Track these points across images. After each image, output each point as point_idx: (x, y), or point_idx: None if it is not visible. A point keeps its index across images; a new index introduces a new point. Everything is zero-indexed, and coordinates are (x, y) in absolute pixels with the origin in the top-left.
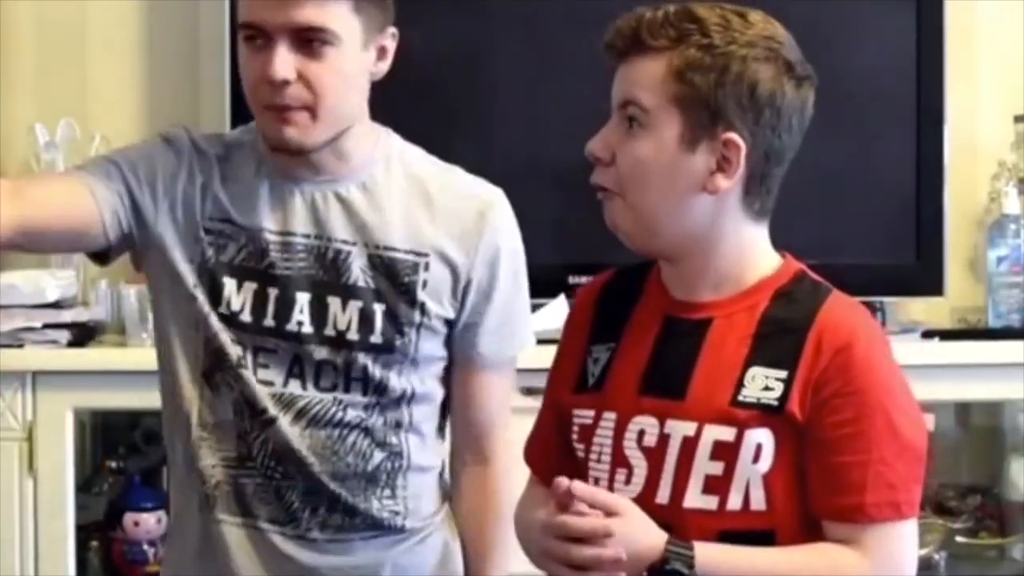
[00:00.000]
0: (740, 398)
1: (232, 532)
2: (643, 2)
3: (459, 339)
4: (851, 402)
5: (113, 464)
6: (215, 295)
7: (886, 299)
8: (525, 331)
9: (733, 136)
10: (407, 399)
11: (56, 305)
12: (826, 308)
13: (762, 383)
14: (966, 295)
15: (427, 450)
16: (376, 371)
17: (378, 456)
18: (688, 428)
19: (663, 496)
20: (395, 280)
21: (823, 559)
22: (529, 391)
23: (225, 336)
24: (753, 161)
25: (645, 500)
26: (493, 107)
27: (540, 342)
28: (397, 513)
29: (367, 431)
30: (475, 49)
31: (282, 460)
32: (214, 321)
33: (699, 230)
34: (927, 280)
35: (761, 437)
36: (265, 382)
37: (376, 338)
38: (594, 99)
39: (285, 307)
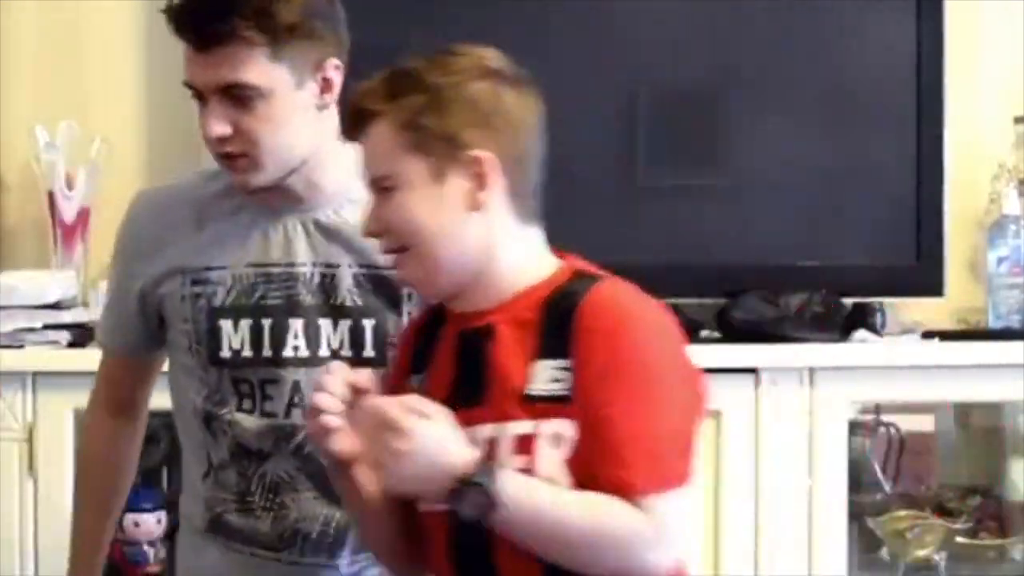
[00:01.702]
0: (531, 392)
1: (235, 558)
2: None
3: None
4: (619, 381)
5: None
6: (215, 342)
7: (886, 300)
8: None
9: (477, 153)
10: None
11: (56, 306)
12: (591, 293)
13: (549, 375)
14: (966, 296)
15: None
16: None
17: None
18: (490, 430)
19: None
20: (381, 295)
21: (613, 505)
22: None
23: (225, 383)
24: (507, 169)
25: None
26: None
27: None
28: None
29: None
30: None
31: (279, 491)
32: (211, 374)
33: (478, 250)
34: (927, 281)
35: (557, 426)
36: (270, 414)
37: (368, 352)
38: (595, 104)
39: (280, 334)
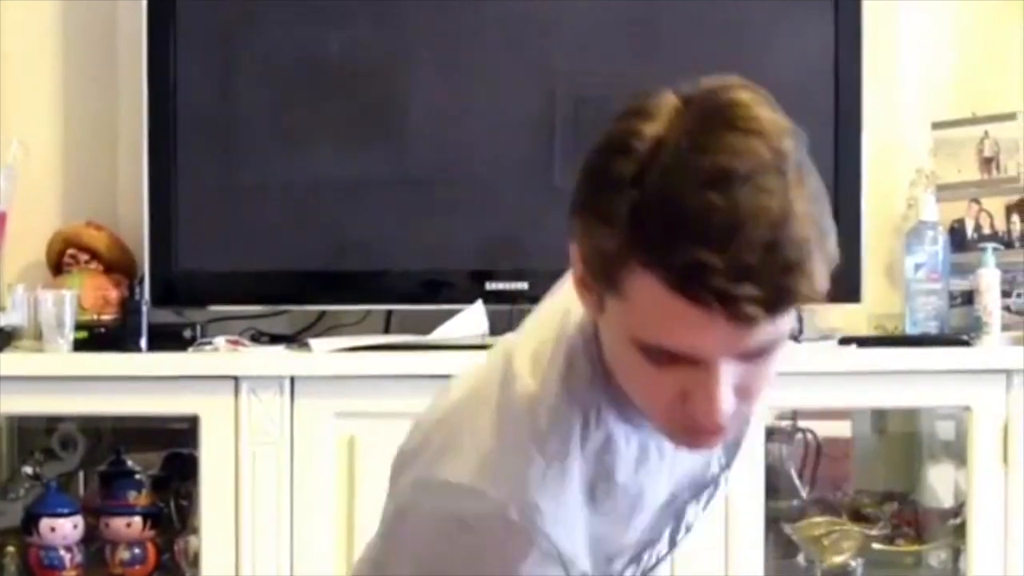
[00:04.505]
0: None
1: None
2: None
3: None
4: None
5: (29, 470)
6: None
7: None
8: None
9: None
10: None
11: None
12: None
13: None
14: (883, 302)
15: None
16: None
17: None
18: None
19: None
20: None
21: None
22: None
23: None
24: None
25: None
26: (410, 112)
27: (456, 348)
28: None
29: None
30: (392, 54)
31: None
32: None
33: None
34: (844, 287)
35: None
36: None
37: None
38: (512, 105)
39: None
